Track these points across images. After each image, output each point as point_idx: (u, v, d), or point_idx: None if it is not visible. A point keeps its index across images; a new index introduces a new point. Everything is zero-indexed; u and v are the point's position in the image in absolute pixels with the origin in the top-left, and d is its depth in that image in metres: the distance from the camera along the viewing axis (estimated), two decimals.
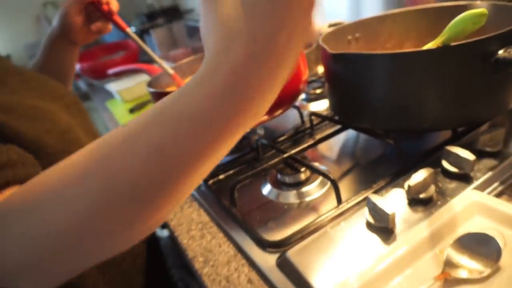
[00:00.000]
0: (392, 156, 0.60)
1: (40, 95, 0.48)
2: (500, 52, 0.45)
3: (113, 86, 1.31)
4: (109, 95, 1.39)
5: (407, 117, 0.54)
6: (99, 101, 1.41)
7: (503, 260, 0.35)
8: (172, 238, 0.78)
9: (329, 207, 0.49)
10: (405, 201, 0.45)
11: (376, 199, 0.43)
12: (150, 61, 0.76)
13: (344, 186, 0.54)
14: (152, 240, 0.76)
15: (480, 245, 0.36)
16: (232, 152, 0.73)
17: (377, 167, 0.58)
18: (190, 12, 1.99)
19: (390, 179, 0.51)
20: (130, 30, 0.70)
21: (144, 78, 1.24)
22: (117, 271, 0.57)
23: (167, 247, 0.81)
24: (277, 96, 0.26)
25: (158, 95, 0.65)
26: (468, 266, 0.35)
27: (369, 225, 0.43)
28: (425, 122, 0.53)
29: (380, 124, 0.57)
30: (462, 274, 0.35)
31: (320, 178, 0.56)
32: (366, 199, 0.44)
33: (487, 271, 0.35)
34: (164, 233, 0.76)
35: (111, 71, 0.93)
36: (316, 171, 0.53)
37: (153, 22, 1.88)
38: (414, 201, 0.45)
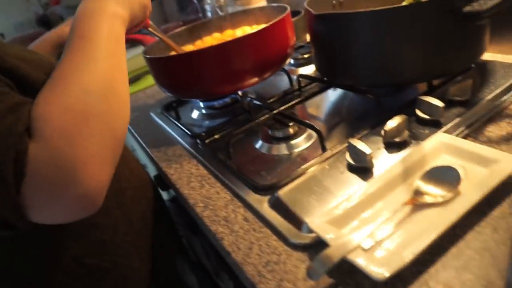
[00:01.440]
0: (373, 110, 0.64)
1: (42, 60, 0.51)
2: (467, 7, 0.49)
3: None
4: None
5: (386, 72, 0.58)
6: None
7: (463, 187, 0.41)
8: (173, 199, 0.84)
9: (314, 156, 0.54)
10: (382, 145, 0.51)
11: (355, 142, 0.48)
12: (144, 32, 0.79)
13: (330, 138, 0.59)
14: (160, 201, 0.81)
15: (444, 176, 0.42)
16: (226, 114, 0.78)
17: (360, 121, 0.63)
18: None
19: (370, 128, 0.56)
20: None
21: (137, 51, 1.26)
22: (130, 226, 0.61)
23: (172, 208, 0.87)
24: None
25: (154, 61, 0.69)
26: (433, 193, 0.41)
27: (349, 167, 0.49)
28: (402, 76, 0.58)
29: (362, 81, 0.62)
30: (427, 199, 0.41)
31: (307, 132, 0.61)
32: (347, 143, 0.49)
33: (448, 195, 0.40)
34: (164, 196, 0.81)
35: None
36: (302, 124, 0.58)
37: None
38: (390, 144, 0.50)
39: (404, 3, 0.57)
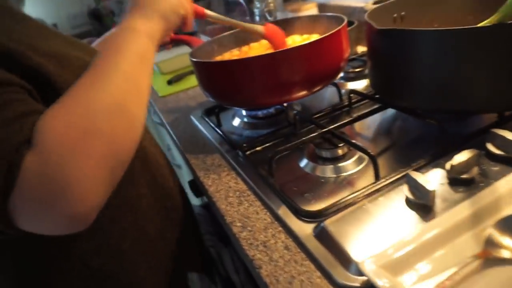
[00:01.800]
0: (432, 137, 0.59)
1: (84, 52, 0.51)
2: None
3: None
4: None
5: (453, 97, 0.53)
6: None
7: None
8: (206, 206, 0.82)
9: (366, 183, 0.50)
10: (446, 180, 0.45)
11: (416, 176, 0.43)
12: (191, 33, 0.77)
13: (382, 164, 0.54)
14: (187, 206, 0.79)
15: None
16: (269, 125, 0.74)
17: (416, 147, 0.57)
18: None
19: (431, 159, 0.51)
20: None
21: (183, 50, 1.26)
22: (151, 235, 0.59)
23: (200, 215, 0.84)
24: None
25: (200, 65, 0.67)
26: (510, 246, 0.35)
27: (408, 202, 0.43)
28: (472, 104, 0.52)
29: (424, 104, 0.56)
30: (504, 254, 0.35)
31: (358, 154, 0.56)
32: (406, 176, 0.44)
33: None
34: (196, 201, 0.79)
35: None
36: (355, 146, 0.53)
37: None
38: (455, 181, 0.44)
39: (484, 23, 0.51)
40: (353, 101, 0.72)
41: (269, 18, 1.13)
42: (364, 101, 0.73)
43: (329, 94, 0.81)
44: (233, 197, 0.55)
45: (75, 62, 0.45)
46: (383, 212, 0.43)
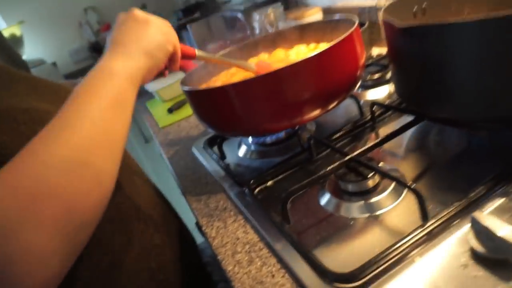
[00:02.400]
0: (481, 151, 0.47)
1: (43, 98, 0.44)
2: None
3: (151, 86, 1.26)
4: (151, 96, 1.35)
5: (506, 102, 0.41)
6: (141, 102, 1.38)
7: None
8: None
9: (409, 224, 0.38)
10: None
11: (486, 219, 0.31)
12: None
13: (426, 194, 0.42)
14: (195, 251, 0.69)
15: None
16: (280, 152, 0.64)
17: (465, 168, 0.45)
18: (228, 2, 1.91)
19: (492, 184, 0.39)
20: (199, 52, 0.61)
21: (182, 74, 1.17)
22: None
23: (212, 257, 0.74)
24: None
25: (193, 94, 0.57)
26: None
27: (475, 255, 0.32)
28: None
29: (469, 113, 0.44)
30: None
31: (393, 184, 0.45)
32: (471, 219, 0.32)
33: None
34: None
35: None
36: (390, 178, 0.42)
37: (190, 17, 1.83)
38: None
39: None
40: (376, 114, 0.60)
41: (269, 30, 1.03)
42: (388, 112, 0.61)
43: (346, 108, 0.70)
44: (242, 253, 0.44)
45: (37, 116, 0.40)
46: (441, 271, 0.32)
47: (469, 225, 0.35)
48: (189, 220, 0.71)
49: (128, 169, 0.57)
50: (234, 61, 0.63)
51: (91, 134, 0.35)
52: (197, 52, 0.57)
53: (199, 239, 0.75)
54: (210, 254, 0.77)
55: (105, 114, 0.38)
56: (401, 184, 0.40)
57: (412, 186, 0.38)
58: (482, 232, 0.31)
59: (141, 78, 0.45)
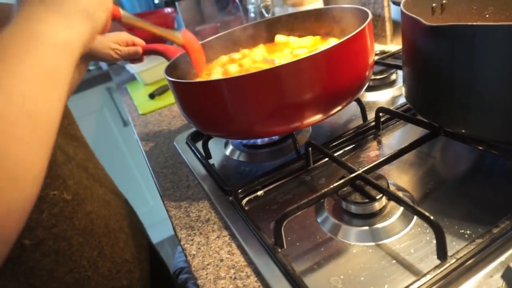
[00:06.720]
0: (499, 175, 0.42)
1: None
2: None
3: (133, 67, 1.16)
4: (132, 77, 1.26)
5: None
6: (122, 82, 1.28)
7: None
8: None
9: (423, 257, 0.33)
10: None
11: None
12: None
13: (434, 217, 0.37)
14: (164, 266, 0.63)
15: None
16: (272, 156, 0.57)
17: (479, 191, 0.40)
18: None
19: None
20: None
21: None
22: None
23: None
24: None
25: (179, 86, 0.49)
26: None
27: None
28: None
29: (498, 133, 0.39)
30: None
31: (401, 208, 0.39)
32: (508, 269, 0.27)
33: None
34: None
35: None
36: (411, 210, 0.35)
37: None
38: None
39: None
40: (382, 120, 0.54)
41: (266, 15, 0.95)
42: (394, 119, 0.56)
43: (346, 109, 0.64)
44: (226, 279, 0.38)
45: None
46: None
47: (492, 266, 0.30)
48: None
49: (98, 178, 0.50)
50: (160, 30, 0.54)
51: (6, 113, 0.26)
52: (122, 12, 0.47)
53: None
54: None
55: (28, 88, 0.28)
56: (417, 213, 0.34)
57: (436, 222, 0.32)
58: None
59: (82, 47, 0.35)
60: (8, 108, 0.26)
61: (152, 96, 0.97)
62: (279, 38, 0.67)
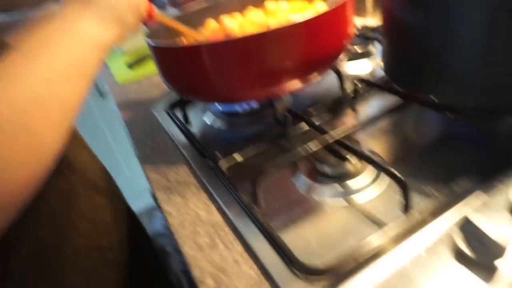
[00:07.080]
0: (467, 140, 0.44)
1: None
2: None
3: None
4: None
5: None
6: None
7: None
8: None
9: (388, 213, 0.36)
10: (508, 217, 0.31)
11: (479, 219, 0.28)
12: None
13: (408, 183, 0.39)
14: (144, 231, 0.64)
15: None
16: (252, 123, 0.58)
17: (447, 155, 0.43)
18: None
19: (479, 179, 0.36)
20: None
21: None
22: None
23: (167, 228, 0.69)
24: None
25: (161, 51, 0.49)
26: None
27: (460, 255, 0.29)
28: None
29: (470, 100, 0.41)
30: None
31: (372, 169, 0.41)
32: (464, 220, 0.29)
33: None
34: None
35: None
36: (375, 165, 0.38)
37: None
38: None
39: None
40: (359, 90, 0.56)
41: None
42: (371, 90, 0.57)
43: (325, 80, 0.65)
44: (204, 236, 0.39)
45: None
46: (422, 271, 0.29)
47: (453, 221, 0.33)
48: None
49: (75, 140, 0.50)
50: (192, 32, 0.57)
51: (36, 96, 0.29)
52: (156, 12, 0.51)
53: None
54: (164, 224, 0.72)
55: (57, 77, 0.32)
56: (385, 170, 0.37)
57: (402, 179, 0.34)
58: (472, 233, 0.28)
59: (110, 46, 0.40)
60: (40, 92, 0.30)
61: (130, 65, 0.95)
62: (270, 5, 0.66)
